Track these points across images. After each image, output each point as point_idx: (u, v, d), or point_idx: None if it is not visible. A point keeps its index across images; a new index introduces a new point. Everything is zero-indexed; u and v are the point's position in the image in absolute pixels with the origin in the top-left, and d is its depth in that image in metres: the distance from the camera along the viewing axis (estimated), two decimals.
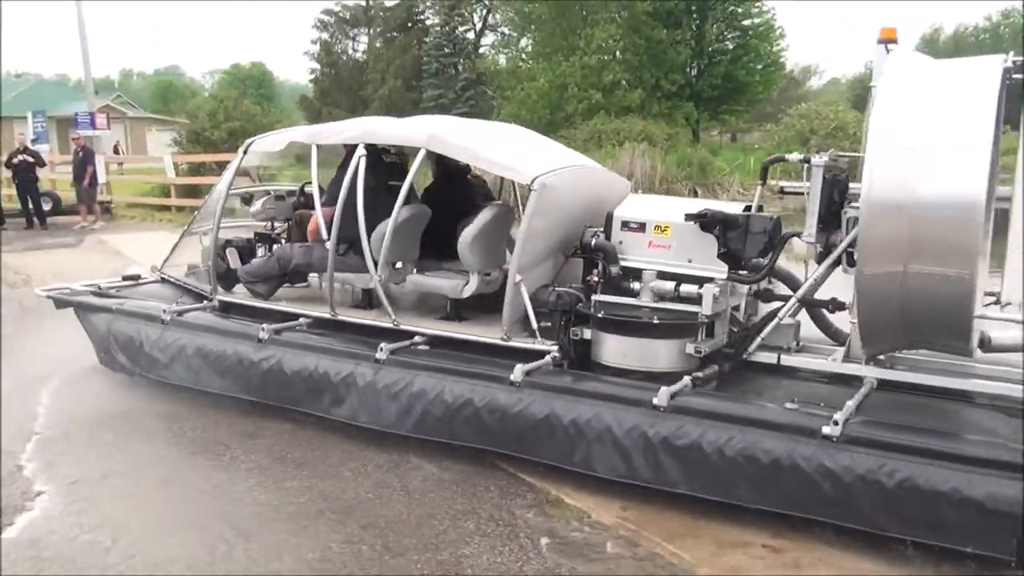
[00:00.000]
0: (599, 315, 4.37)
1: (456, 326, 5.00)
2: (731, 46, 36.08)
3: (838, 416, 3.57)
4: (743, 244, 4.29)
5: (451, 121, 5.94)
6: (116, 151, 23.09)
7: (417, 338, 4.92)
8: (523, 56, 37.14)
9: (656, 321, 4.24)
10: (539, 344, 4.52)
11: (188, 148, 20.23)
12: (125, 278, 6.51)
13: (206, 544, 3.61)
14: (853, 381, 4.14)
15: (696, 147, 27.50)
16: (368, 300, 5.42)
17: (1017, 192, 3.73)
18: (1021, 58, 3.65)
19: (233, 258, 5.92)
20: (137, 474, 4.37)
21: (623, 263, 4.53)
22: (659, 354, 4.22)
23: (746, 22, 36.17)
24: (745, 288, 4.48)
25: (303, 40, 68.23)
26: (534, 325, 4.55)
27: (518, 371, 4.24)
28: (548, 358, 4.42)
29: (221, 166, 17.28)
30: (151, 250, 8.30)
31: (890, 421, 3.67)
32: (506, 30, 40.42)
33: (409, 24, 39.00)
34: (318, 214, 5.22)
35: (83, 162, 16.21)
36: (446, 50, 35.71)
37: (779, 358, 4.36)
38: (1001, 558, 3.31)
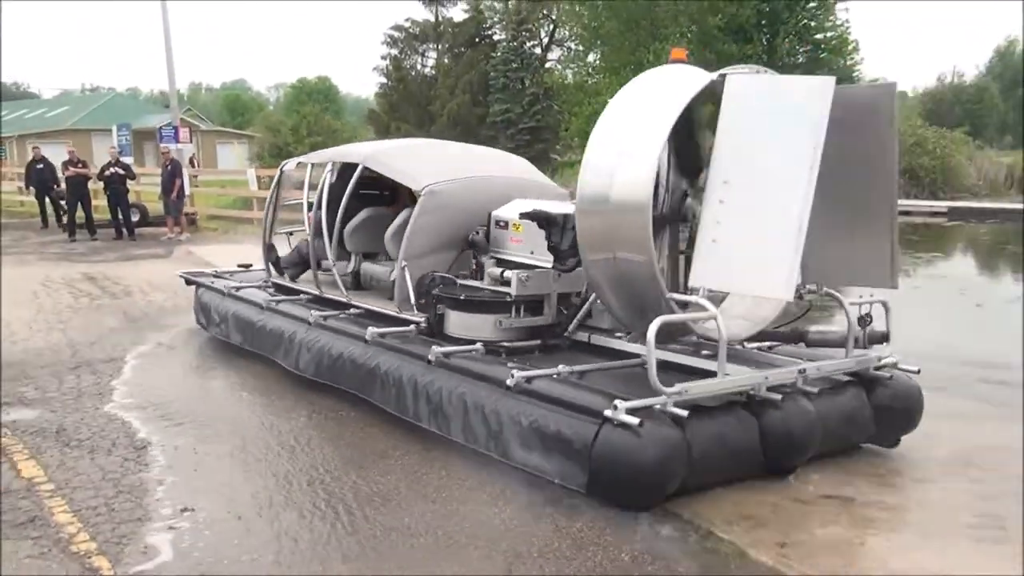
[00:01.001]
0: (439, 294, 5.59)
1: (384, 303, 6.27)
2: (803, 60, 35.97)
3: (517, 372, 4.53)
4: (560, 238, 5.25)
5: (387, 143, 7.82)
6: (192, 164, 24.13)
7: (352, 310, 6.43)
8: (590, 71, 37.95)
9: (463, 298, 5.41)
10: (416, 316, 5.79)
11: (270, 162, 21.21)
12: (239, 266, 8.75)
13: None
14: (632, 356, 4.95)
15: None
16: (356, 282, 6.87)
17: (710, 185, 4.32)
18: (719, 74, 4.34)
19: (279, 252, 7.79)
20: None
21: (497, 255, 5.73)
22: (481, 326, 5.38)
23: (819, 36, 36.14)
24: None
25: (366, 54, 70.22)
26: (412, 301, 5.81)
27: (370, 332, 5.63)
28: (412, 327, 5.72)
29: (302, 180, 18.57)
30: (237, 260, 9.34)
31: (577, 383, 4.52)
32: (572, 45, 41.32)
33: (477, 40, 40.10)
34: (305, 214, 7.17)
35: (171, 175, 17.00)
36: (513, 65, 36.84)
37: (589, 337, 5.34)
38: (576, 490, 4.11)
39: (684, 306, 4.51)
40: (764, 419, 4.31)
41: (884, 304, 4.90)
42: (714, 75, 4.39)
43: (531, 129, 36.74)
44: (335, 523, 4.00)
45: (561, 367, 4.68)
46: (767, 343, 5.20)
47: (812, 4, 34.90)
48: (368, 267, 6.85)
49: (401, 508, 4.15)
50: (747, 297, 4.92)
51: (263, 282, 7.83)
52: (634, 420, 3.91)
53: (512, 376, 4.53)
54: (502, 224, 5.72)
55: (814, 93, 4.07)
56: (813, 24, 35.49)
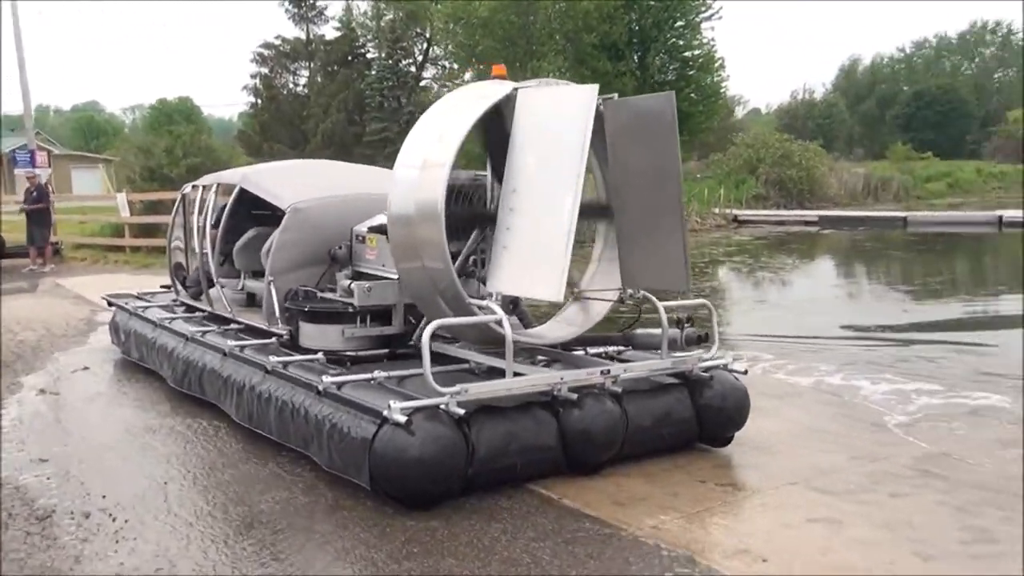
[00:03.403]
0: (291, 307, 5.80)
1: (261, 317, 6.32)
2: (673, 77, 37.61)
3: (327, 379, 4.71)
4: None
5: (264, 166, 8.01)
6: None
7: (234, 325, 6.57)
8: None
9: (308, 309, 5.65)
10: (280, 329, 5.94)
11: (142, 186, 19.99)
12: (162, 287, 8.93)
13: None
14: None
15: None
16: (251, 299, 6.99)
17: (503, 194, 4.55)
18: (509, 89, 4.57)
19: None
20: None
21: (358, 269, 5.91)
22: (328, 337, 5.57)
23: (687, 53, 37.89)
24: None
25: (226, 74, 68.12)
26: (277, 314, 5.98)
27: (229, 345, 5.83)
28: (274, 339, 5.91)
29: None
30: (110, 292, 8.99)
31: (389, 387, 4.67)
32: (447, 63, 41.77)
33: (350, 58, 39.72)
34: (195, 235, 7.31)
35: (37, 201, 16.13)
36: (388, 83, 36.80)
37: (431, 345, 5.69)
38: (363, 485, 4.23)
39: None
40: (563, 418, 4.52)
41: (708, 306, 5.25)
42: (508, 88, 4.68)
43: None
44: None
45: (377, 372, 4.86)
46: (614, 348, 5.50)
47: (680, 24, 36.57)
48: (251, 284, 7.04)
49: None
50: (573, 302, 5.29)
51: (172, 301, 8.08)
52: (402, 419, 4.09)
53: (323, 381, 4.72)
54: (360, 238, 5.96)
55: (580, 101, 4.37)
56: (682, 43, 37.20)
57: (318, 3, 39.92)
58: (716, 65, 37.91)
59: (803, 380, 7.18)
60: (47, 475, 4.88)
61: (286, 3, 39.41)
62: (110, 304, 8.73)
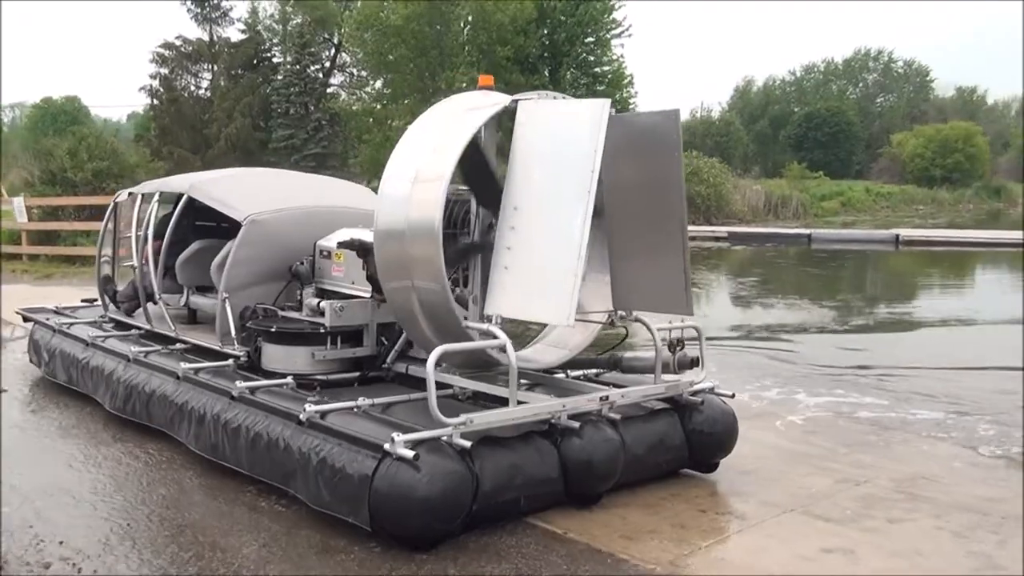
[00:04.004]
0: (254, 327, 5.41)
1: (211, 337, 5.91)
2: (584, 92, 37.97)
3: (310, 406, 4.35)
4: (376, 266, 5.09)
5: (212, 173, 7.65)
6: None
7: (178, 344, 6.11)
8: (378, 97, 37.78)
9: (274, 330, 5.27)
10: (237, 350, 5.55)
11: (42, 190, 18.84)
12: (83, 301, 8.38)
13: None
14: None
15: None
16: (193, 316, 6.63)
17: (503, 211, 4.32)
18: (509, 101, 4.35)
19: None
20: None
21: (321, 286, 5.55)
22: (296, 359, 5.21)
23: (597, 69, 38.39)
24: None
25: (115, 74, 64.68)
26: (233, 334, 5.59)
27: (183, 368, 5.38)
28: (231, 360, 5.49)
29: (82, 211, 16.66)
30: (19, 304, 8.49)
31: (376, 416, 4.38)
32: (355, 70, 41.12)
33: (255, 62, 38.72)
34: (133, 246, 6.88)
35: None
36: (296, 89, 35.96)
37: (407, 368, 5.19)
38: (361, 526, 3.89)
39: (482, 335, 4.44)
40: (564, 448, 4.28)
41: (696, 329, 5.05)
42: (507, 100, 4.46)
43: (316, 156, 35.93)
44: None
45: (362, 400, 4.54)
46: (593, 370, 5.29)
47: (591, 40, 37.03)
48: (196, 300, 6.58)
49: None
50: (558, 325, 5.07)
51: (100, 317, 7.49)
52: (409, 453, 3.79)
53: (305, 410, 4.36)
54: (325, 254, 5.61)
55: (589, 116, 4.16)
56: (592, 59, 37.67)
57: (222, 4, 38.61)
58: (625, 81, 38.53)
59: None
60: None
61: (188, 3, 37.95)
62: (26, 319, 8.03)
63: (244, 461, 4.72)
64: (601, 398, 4.60)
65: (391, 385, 5.24)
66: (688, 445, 4.95)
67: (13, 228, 17.92)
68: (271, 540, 4.07)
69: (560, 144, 4.25)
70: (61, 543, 4.02)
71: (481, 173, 4.64)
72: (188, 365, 5.45)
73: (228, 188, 6.43)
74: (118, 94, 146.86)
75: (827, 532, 4.30)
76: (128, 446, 5.55)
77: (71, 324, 7.29)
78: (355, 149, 36.93)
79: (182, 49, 38.38)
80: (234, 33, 39.92)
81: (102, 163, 17.67)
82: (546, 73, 37.21)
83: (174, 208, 6.75)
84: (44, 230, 17.41)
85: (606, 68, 38.42)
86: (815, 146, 61.72)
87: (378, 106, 37.49)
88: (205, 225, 6.71)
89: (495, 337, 4.24)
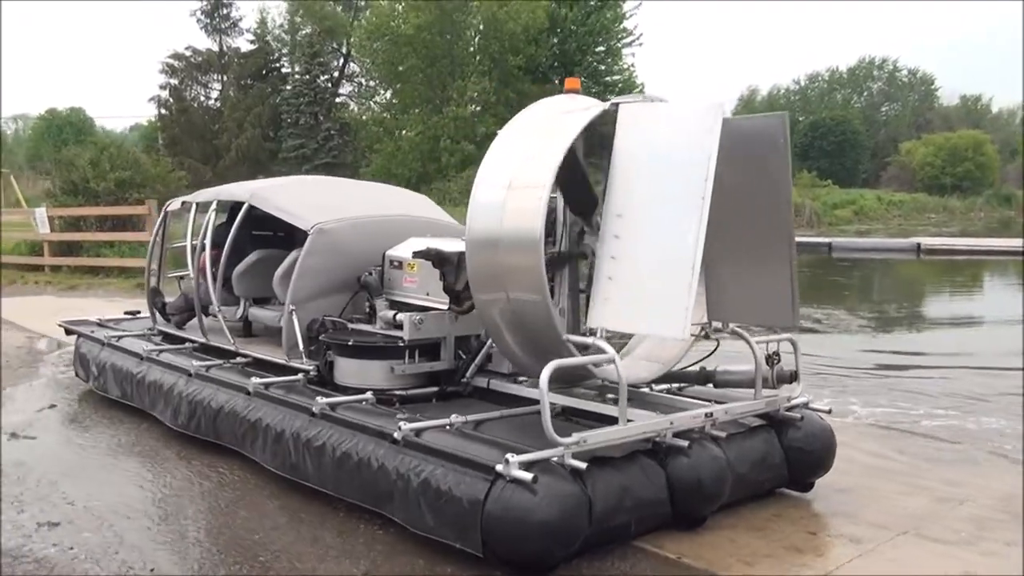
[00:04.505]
0: (327, 340, 5.20)
1: (274, 351, 5.75)
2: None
3: (405, 424, 4.14)
4: (455, 277, 4.91)
5: (273, 181, 7.41)
6: None
7: (239, 359, 5.91)
8: (389, 107, 37.76)
9: (352, 343, 5.06)
10: (306, 364, 5.35)
11: (64, 200, 18.36)
12: (126, 313, 8.20)
13: None
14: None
15: None
16: (248, 329, 6.40)
17: (605, 219, 4.14)
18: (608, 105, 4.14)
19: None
20: None
21: (392, 297, 5.37)
22: (373, 374, 5.01)
23: (608, 78, 38.40)
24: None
25: (118, 84, 64.61)
26: (301, 348, 5.40)
27: (253, 383, 5.17)
28: (300, 375, 5.29)
29: (105, 221, 16.50)
30: (34, 313, 8.48)
31: (472, 434, 4.17)
32: (363, 80, 41.09)
33: (265, 72, 38.91)
34: (189, 256, 6.54)
35: None
36: (306, 99, 36.00)
37: (489, 383, 5.00)
38: (470, 551, 3.70)
39: (583, 348, 4.24)
40: (671, 467, 4.09)
41: (792, 342, 4.83)
42: (606, 104, 4.29)
43: (327, 166, 35.85)
44: None
45: (454, 417, 4.33)
46: (675, 384, 5.08)
47: (601, 49, 37.00)
48: (256, 312, 6.36)
49: None
50: (651, 337, 4.88)
51: (148, 330, 7.27)
52: (527, 476, 3.58)
53: (400, 428, 4.17)
54: (396, 264, 5.42)
55: (702, 119, 3.95)
56: (603, 68, 37.74)
57: (232, 14, 38.59)
58: (636, 90, 38.49)
59: None
60: (68, 545, 4.09)
61: (198, 13, 37.91)
62: (68, 332, 7.82)
63: (330, 482, 4.51)
64: (706, 414, 4.39)
65: (471, 400, 5.04)
66: (787, 463, 4.73)
67: (35, 239, 17.72)
68: (372, 567, 3.86)
69: (669, 149, 4.04)
70: (152, 570, 3.81)
71: (575, 178, 4.43)
72: (259, 380, 5.24)
73: (291, 197, 6.25)
74: (120, 105, 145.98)
75: (946, 555, 4.09)
76: (196, 464, 5.34)
77: (119, 337, 7.07)
78: (366, 159, 36.82)
79: (192, 59, 38.48)
80: (243, 43, 40.08)
81: (124, 173, 17.37)
82: (557, 82, 37.23)
83: (229, 218, 6.58)
84: (66, 241, 17.19)
85: (616, 77, 38.38)
86: (821, 155, 61.54)
87: (387, 116, 37.39)
88: (261, 235, 6.52)
89: (601, 351, 4.04)
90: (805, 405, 4.95)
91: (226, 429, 5.35)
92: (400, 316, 5.09)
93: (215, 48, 38.89)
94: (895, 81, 76.44)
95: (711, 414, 4.42)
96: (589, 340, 4.15)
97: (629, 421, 4.08)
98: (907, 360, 9.81)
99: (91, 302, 12.72)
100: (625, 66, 38.14)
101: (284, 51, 41.13)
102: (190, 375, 5.83)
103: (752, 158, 4.37)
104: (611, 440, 3.97)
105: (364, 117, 38.66)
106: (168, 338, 6.97)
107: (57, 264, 16.76)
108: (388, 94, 38.84)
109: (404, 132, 34.49)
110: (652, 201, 4.05)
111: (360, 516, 4.36)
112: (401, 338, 5.02)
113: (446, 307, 5.09)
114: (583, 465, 3.73)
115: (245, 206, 6.12)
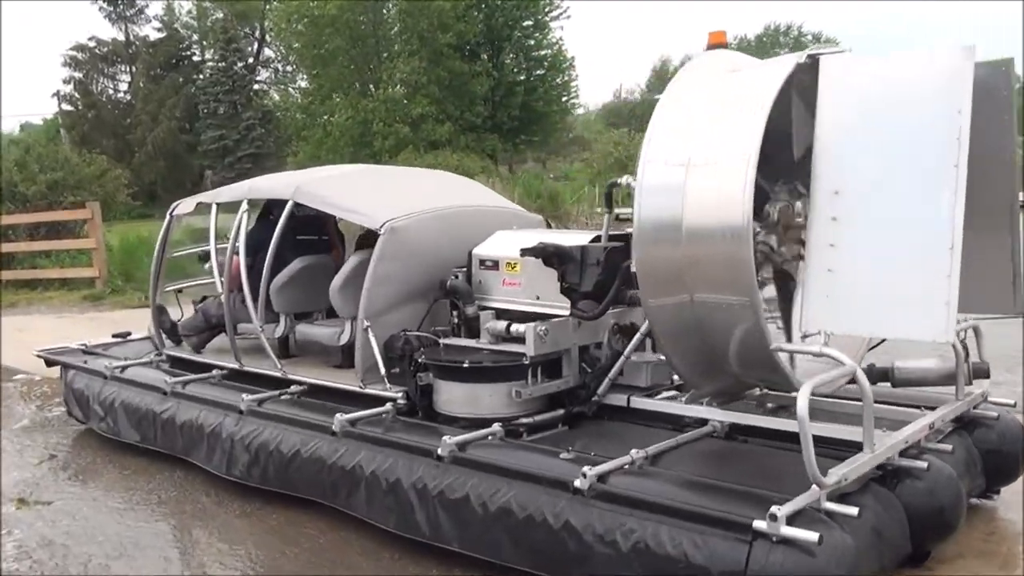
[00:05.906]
0: (422, 360, 4.32)
1: (332, 374, 4.95)
2: (524, 77, 37.26)
3: (590, 471, 3.31)
4: (579, 277, 4.19)
5: (317, 171, 6.38)
6: None
7: (293, 387, 4.94)
8: (311, 92, 36.20)
9: (466, 365, 4.16)
10: (389, 391, 4.47)
11: None
12: (114, 336, 6.94)
13: None
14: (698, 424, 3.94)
15: (543, 178, 28.03)
16: (285, 348, 5.45)
17: (815, 198, 3.39)
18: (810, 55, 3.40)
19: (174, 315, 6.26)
20: None
21: (483, 303, 4.51)
22: (490, 400, 4.14)
23: (537, 53, 37.60)
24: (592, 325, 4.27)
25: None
26: (382, 371, 4.51)
27: (338, 421, 4.23)
28: (389, 405, 4.40)
29: (37, 228, 14.81)
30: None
31: (666, 472, 3.47)
32: (279, 66, 39.35)
33: (176, 61, 36.81)
34: (214, 266, 5.74)
35: None
36: (223, 87, 34.25)
37: (629, 400, 4.21)
38: None
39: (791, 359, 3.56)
40: (906, 495, 3.35)
41: (975, 329, 4.16)
42: (800, 56, 3.46)
43: (252, 156, 34.12)
44: None
45: (634, 452, 3.52)
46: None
47: (529, 24, 36.17)
48: (306, 330, 5.36)
49: None
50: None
51: (155, 355, 6.15)
52: (812, 536, 2.79)
53: (584, 476, 3.30)
54: (489, 264, 4.55)
55: (946, 67, 3.20)
56: (532, 42, 36.97)
57: (137, 1, 36.25)
58: (565, 64, 37.89)
59: None
60: None
61: (100, 1, 35.46)
62: (50, 363, 6.64)
63: (485, 545, 3.62)
64: (929, 424, 3.69)
65: (602, 422, 4.26)
66: (984, 469, 4.06)
67: None
68: None
69: (901, 107, 3.24)
70: None
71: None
72: (344, 416, 4.29)
73: (344, 190, 5.27)
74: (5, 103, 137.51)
75: None
76: (272, 523, 4.38)
77: (123, 368, 5.96)
78: (292, 147, 35.26)
79: (97, 51, 36.09)
80: (151, 32, 37.74)
81: (56, 174, 15.74)
82: (486, 58, 36.33)
83: (260, 218, 5.64)
84: None
85: (545, 52, 37.70)
86: None
87: (311, 102, 35.88)
88: (306, 239, 5.56)
89: (838, 363, 3.27)
90: (985, 399, 4.26)
91: (307, 479, 4.38)
92: (517, 327, 4.23)
93: (121, 38, 36.49)
94: (801, 46, 77.94)
95: (933, 424, 3.72)
96: (816, 349, 3.39)
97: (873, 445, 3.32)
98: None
99: (41, 320, 11.38)
100: (554, 40, 37.43)
101: (195, 38, 38.90)
102: (241, 412, 4.83)
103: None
104: (864, 472, 3.22)
105: (288, 103, 36.94)
106: (183, 364, 5.90)
107: None
108: (309, 79, 37.23)
109: (332, 117, 32.99)
110: (881, 173, 3.25)
111: None
112: (523, 354, 4.15)
113: (566, 313, 4.26)
114: (853, 511, 2.98)
115: (289, 204, 5.10)
